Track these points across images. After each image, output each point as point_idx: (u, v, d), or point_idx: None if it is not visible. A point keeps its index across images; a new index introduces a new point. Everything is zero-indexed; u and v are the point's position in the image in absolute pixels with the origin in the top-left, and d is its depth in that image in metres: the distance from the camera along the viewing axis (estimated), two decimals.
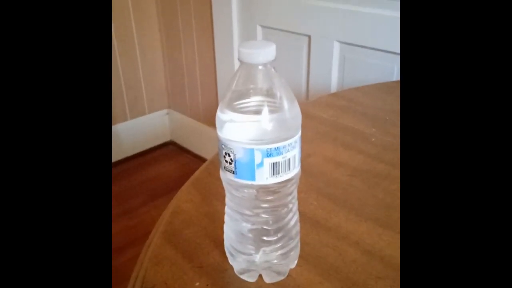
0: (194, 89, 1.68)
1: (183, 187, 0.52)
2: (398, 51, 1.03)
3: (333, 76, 1.22)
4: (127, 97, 1.70)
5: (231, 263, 0.39)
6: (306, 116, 0.69)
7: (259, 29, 1.39)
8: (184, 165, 1.71)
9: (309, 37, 1.23)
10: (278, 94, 0.33)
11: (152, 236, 0.45)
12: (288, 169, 0.33)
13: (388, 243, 0.42)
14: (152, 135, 1.81)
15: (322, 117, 0.69)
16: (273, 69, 0.33)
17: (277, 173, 0.33)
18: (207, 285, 0.37)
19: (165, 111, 1.84)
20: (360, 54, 1.12)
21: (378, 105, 0.74)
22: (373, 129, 0.65)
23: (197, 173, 0.55)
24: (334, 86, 1.23)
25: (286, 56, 1.34)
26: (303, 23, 1.23)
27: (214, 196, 0.50)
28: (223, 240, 0.40)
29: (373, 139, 0.62)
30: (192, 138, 1.78)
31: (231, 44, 1.46)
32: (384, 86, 0.83)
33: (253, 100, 0.33)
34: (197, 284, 0.37)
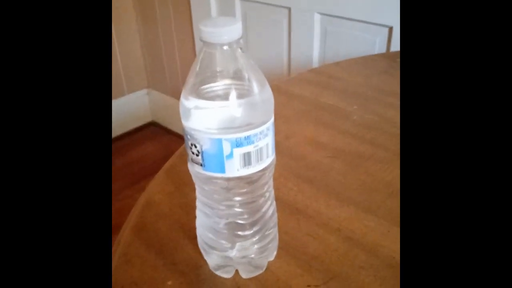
0: (173, 66, 1.63)
1: (156, 177, 0.49)
2: (381, 22, 0.99)
3: (314, 50, 1.18)
4: None
5: (205, 258, 0.36)
6: (285, 94, 0.66)
7: (237, 3, 1.33)
8: (166, 146, 1.67)
9: (289, 9, 1.18)
10: (247, 77, 0.30)
11: (122, 231, 0.42)
12: (261, 159, 0.30)
13: (371, 229, 0.40)
14: (133, 116, 1.76)
15: (302, 95, 0.66)
16: (239, 49, 0.29)
17: (249, 164, 0.30)
18: (181, 283, 0.35)
19: (144, 91, 1.79)
20: (341, 26, 1.09)
21: (359, 80, 0.71)
22: (355, 107, 0.62)
23: (170, 160, 0.52)
24: (316, 61, 1.20)
25: (266, 30, 1.29)
26: None
27: (188, 186, 0.47)
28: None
29: (355, 117, 0.59)
30: (174, 118, 1.74)
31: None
32: (365, 60, 0.80)
33: (219, 85, 0.30)
34: (170, 283, 0.35)
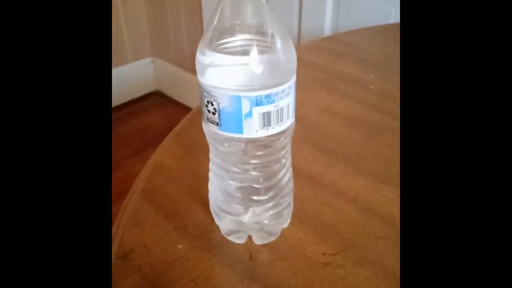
0: (179, 35, 1.59)
1: (164, 141, 0.48)
2: None
3: (326, 18, 1.14)
4: None
5: (217, 223, 0.35)
6: (299, 61, 0.63)
7: None
8: (170, 116, 1.65)
9: None
10: (270, 32, 0.28)
11: (130, 195, 0.41)
12: (281, 119, 0.29)
13: (388, 199, 0.39)
14: (136, 84, 1.73)
15: (317, 63, 0.64)
16: (264, 0, 0.27)
17: (268, 124, 0.28)
18: (191, 247, 0.34)
19: (149, 59, 1.75)
20: None
21: (376, 49, 0.68)
22: (371, 76, 0.60)
23: (180, 124, 0.50)
24: (327, 30, 1.16)
25: None
26: None
27: (199, 150, 0.45)
28: (208, 199, 0.36)
29: (372, 87, 0.57)
30: (178, 87, 1.71)
31: None
32: (382, 29, 0.77)
33: (240, 39, 0.28)
34: (180, 246, 0.34)
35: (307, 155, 0.45)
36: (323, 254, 0.33)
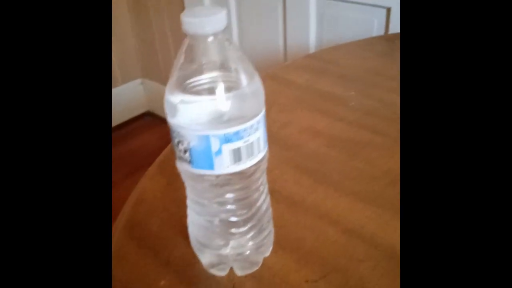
0: (167, 54, 1.60)
1: (147, 172, 0.48)
2: (378, 3, 0.97)
3: (311, 34, 1.15)
4: None
5: (198, 257, 0.35)
6: (281, 82, 0.65)
7: None
8: (163, 136, 1.65)
9: None
10: (234, 69, 0.28)
11: (114, 229, 0.41)
12: (252, 154, 0.29)
13: (370, 219, 0.39)
14: (128, 106, 1.74)
15: (298, 82, 0.64)
16: (226, 40, 0.28)
17: (239, 160, 0.29)
18: (174, 284, 0.34)
19: (139, 80, 1.76)
20: (338, 9, 1.06)
21: (356, 64, 0.69)
22: (352, 92, 0.60)
23: (162, 155, 0.50)
24: (313, 45, 1.17)
25: (261, 16, 1.26)
26: None
27: (181, 180, 0.45)
28: None
29: (352, 103, 0.58)
30: None
31: (201, 5, 1.37)
32: (363, 43, 0.78)
33: (205, 78, 0.28)
34: (162, 283, 0.34)
35: (289, 178, 0.45)
36: (306, 281, 0.34)
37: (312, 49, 1.17)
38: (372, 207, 0.40)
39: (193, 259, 0.36)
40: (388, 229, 0.38)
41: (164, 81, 1.68)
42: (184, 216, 0.39)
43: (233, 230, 0.32)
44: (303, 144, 0.50)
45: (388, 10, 0.96)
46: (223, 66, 0.28)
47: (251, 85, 0.29)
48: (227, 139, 0.28)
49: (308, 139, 0.51)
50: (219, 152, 0.28)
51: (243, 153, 0.29)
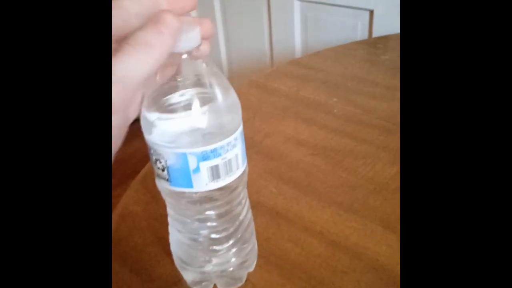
0: None
1: (131, 186, 0.47)
2: (361, 6, 0.97)
3: (296, 38, 1.15)
4: None
5: (182, 274, 0.35)
6: (264, 90, 0.64)
7: None
8: None
9: None
10: (209, 85, 0.28)
11: None
12: (230, 171, 0.29)
13: (353, 230, 0.39)
14: None
15: (281, 90, 0.64)
16: (202, 62, 0.28)
17: (218, 177, 0.28)
18: None
19: None
20: (322, 12, 1.06)
21: (339, 70, 0.69)
22: (335, 99, 0.60)
23: (146, 167, 0.50)
24: (299, 50, 1.17)
25: (246, 21, 1.26)
26: None
27: None
28: None
29: (335, 111, 0.58)
30: None
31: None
32: (345, 49, 0.78)
33: (180, 95, 0.28)
34: None
35: (273, 189, 0.45)
36: None
37: (298, 53, 1.18)
38: (356, 217, 0.40)
39: (177, 277, 0.35)
40: (371, 240, 0.38)
41: None
42: (167, 233, 0.39)
43: (216, 247, 0.32)
44: (287, 153, 0.50)
45: (371, 12, 0.96)
46: (198, 82, 0.28)
47: (227, 100, 0.28)
48: (204, 157, 0.27)
49: (292, 148, 0.51)
50: (197, 169, 0.28)
51: (222, 170, 0.28)
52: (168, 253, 0.37)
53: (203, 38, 0.27)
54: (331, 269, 0.35)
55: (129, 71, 0.21)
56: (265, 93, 0.63)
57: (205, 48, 0.27)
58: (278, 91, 0.64)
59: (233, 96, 0.29)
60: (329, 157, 0.49)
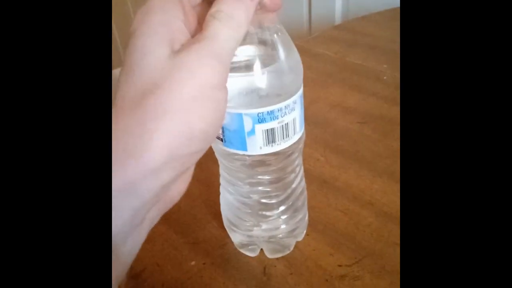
0: None
1: None
2: None
3: (337, 4, 1.10)
4: None
5: (230, 235, 0.34)
6: (308, 55, 0.62)
7: None
8: None
9: None
10: (271, 42, 0.26)
11: None
12: (287, 135, 0.27)
13: None
14: None
15: (326, 55, 0.61)
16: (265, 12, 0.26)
17: (273, 141, 0.27)
18: (204, 263, 0.34)
19: None
20: None
21: (388, 35, 0.65)
22: (385, 65, 0.57)
23: None
24: (338, 17, 1.12)
25: None
26: None
27: (210, 158, 0.44)
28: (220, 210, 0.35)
29: (385, 77, 0.55)
30: None
31: None
32: (393, 13, 0.74)
33: (239, 52, 0.26)
34: (193, 263, 0.34)
35: (319, 157, 0.43)
36: (339, 265, 0.32)
37: (338, 19, 1.12)
38: None
39: (223, 240, 0.35)
40: None
41: None
42: (212, 195, 0.38)
43: (265, 213, 0.31)
44: (334, 121, 0.48)
45: None
46: (262, 39, 0.26)
47: (289, 60, 0.27)
48: (260, 119, 0.26)
49: (339, 116, 0.49)
50: (252, 132, 0.26)
51: (277, 134, 0.27)
52: (214, 216, 0.37)
53: None
54: (383, 240, 0.34)
55: (222, 48, 0.21)
56: (310, 58, 0.61)
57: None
58: (324, 56, 0.61)
59: (296, 56, 0.27)
60: (379, 125, 0.47)
